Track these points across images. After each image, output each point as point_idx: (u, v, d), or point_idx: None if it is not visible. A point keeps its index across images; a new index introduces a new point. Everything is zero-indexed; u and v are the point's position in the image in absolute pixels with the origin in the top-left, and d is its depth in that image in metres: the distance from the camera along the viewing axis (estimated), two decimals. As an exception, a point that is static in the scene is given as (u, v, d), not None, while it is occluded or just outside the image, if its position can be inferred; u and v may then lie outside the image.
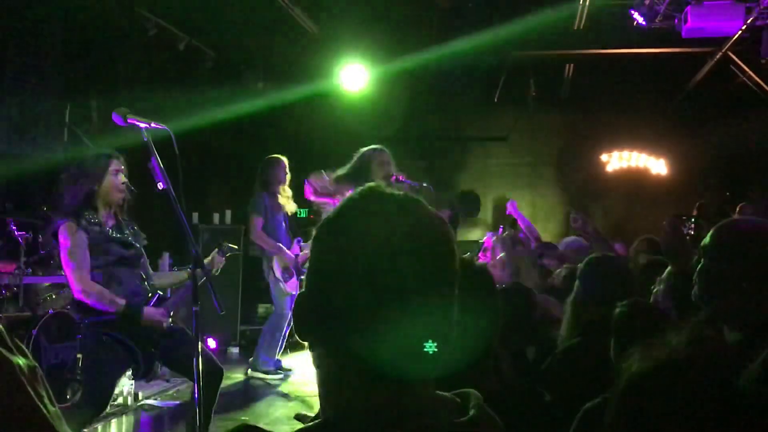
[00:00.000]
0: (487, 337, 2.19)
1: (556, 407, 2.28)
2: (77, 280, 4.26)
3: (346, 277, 1.26)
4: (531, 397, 2.22)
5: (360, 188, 1.37)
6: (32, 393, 1.04)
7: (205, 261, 4.38)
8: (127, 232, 4.50)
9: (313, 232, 1.38)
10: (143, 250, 4.63)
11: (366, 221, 1.30)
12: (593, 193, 12.46)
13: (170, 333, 4.44)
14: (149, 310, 4.36)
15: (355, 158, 5.92)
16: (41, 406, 1.06)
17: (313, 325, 1.31)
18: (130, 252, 4.47)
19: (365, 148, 5.94)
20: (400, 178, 5.75)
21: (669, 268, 3.57)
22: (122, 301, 4.28)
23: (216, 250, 4.67)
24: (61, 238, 4.29)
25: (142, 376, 4.56)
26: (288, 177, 6.88)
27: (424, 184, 5.86)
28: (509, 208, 7.15)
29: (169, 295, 4.68)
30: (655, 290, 3.57)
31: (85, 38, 8.22)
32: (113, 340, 4.32)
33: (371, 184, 1.38)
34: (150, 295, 4.48)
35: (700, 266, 2.57)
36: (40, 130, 7.76)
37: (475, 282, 2.23)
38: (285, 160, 6.96)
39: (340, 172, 5.91)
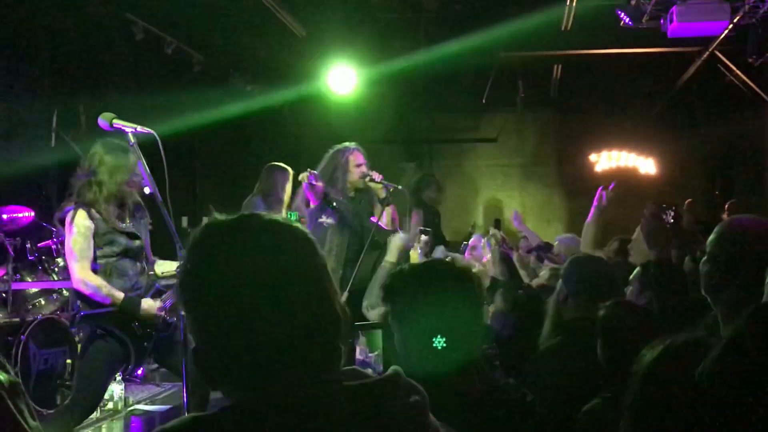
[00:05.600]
0: (472, 339, 2.20)
1: (540, 407, 2.29)
2: (77, 269, 4.27)
3: (226, 329, 1.31)
4: (515, 397, 2.23)
5: (200, 232, 1.42)
6: (13, 408, 1.04)
7: None
8: (131, 223, 4.47)
9: (178, 287, 1.42)
10: (148, 235, 4.62)
11: (219, 264, 1.34)
12: (582, 193, 12.48)
13: (166, 327, 4.45)
14: (147, 303, 4.37)
15: (328, 158, 5.84)
16: (22, 422, 1.05)
17: (222, 378, 1.35)
18: (135, 244, 4.47)
19: (338, 147, 5.86)
20: (375, 178, 5.71)
21: (638, 269, 3.59)
22: (120, 294, 4.28)
23: None
24: (67, 225, 4.30)
25: (132, 369, 4.56)
26: (289, 191, 6.66)
27: (399, 187, 5.83)
28: (515, 223, 7.22)
29: (163, 288, 4.67)
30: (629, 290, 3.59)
31: (72, 43, 8.18)
32: (107, 334, 4.33)
33: (209, 223, 1.42)
34: (149, 287, 4.50)
35: (702, 261, 2.61)
36: (28, 135, 7.72)
37: (459, 285, 2.23)
38: (291, 172, 6.77)
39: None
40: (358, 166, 5.71)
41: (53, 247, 6.92)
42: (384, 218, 5.80)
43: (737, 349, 1.29)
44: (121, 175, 4.35)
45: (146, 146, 3.92)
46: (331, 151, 5.84)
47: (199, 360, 1.34)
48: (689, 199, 8.42)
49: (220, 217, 1.43)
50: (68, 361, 6.22)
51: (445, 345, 2.09)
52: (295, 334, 1.30)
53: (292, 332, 1.30)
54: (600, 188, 5.18)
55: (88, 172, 4.37)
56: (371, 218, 5.74)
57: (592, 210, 5.14)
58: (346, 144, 5.85)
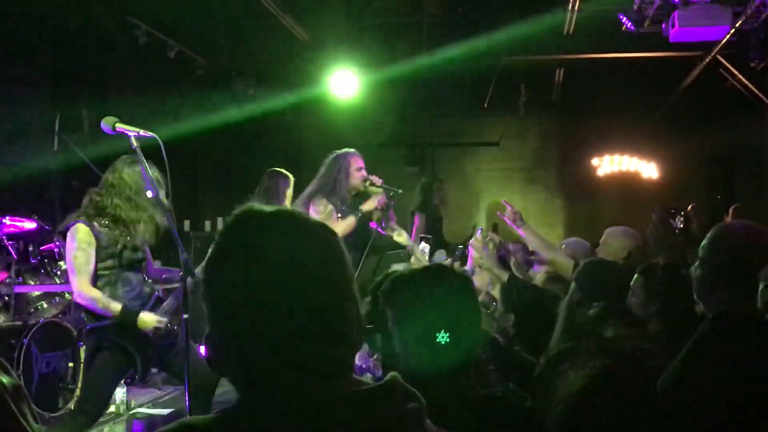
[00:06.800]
0: (472, 339, 2.20)
1: (543, 413, 2.29)
2: (76, 284, 4.29)
3: (244, 314, 1.29)
4: (514, 402, 2.23)
5: (235, 218, 1.39)
6: (16, 411, 1.05)
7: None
8: (133, 235, 4.48)
9: (203, 275, 1.39)
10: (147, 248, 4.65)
11: (246, 254, 1.32)
12: (584, 197, 12.49)
13: (167, 335, 4.46)
14: (144, 316, 4.38)
15: (328, 163, 5.83)
16: (24, 424, 1.06)
17: (231, 365, 1.34)
18: (138, 255, 4.50)
19: (337, 152, 5.87)
20: (376, 182, 5.75)
21: (636, 276, 3.59)
22: (117, 307, 4.30)
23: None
24: (68, 239, 4.31)
25: (139, 380, 4.58)
26: (290, 195, 6.61)
27: (400, 191, 5.85)
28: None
29: (163, 296, 4.69)
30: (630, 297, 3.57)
31: (75, 46, 8.20)
32: (113, 345, 4.35)
33: (244, 210, 1.40)
34: (150, 296, 4.51)
35: (694, 266, 2.62)
36: (30, 138, 7.73)
37: (458, 286, 2.24)
38: (292, 179, 6.76)
39: (315, 182, 5.83)
40: (359, 170, 5.74)
41: (55, 250, 6.93)
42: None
43: (699, 357, 1.29)
44: (137, 199, 4.37)
45: (149, 150, 3.94)
46: (330, 157, 5.87)
47: (210, 346, 1.33)
48: (692, 204, 8.44)
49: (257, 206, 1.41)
50: (70, 364, 6.23)
51: (448, 340, 2.10)
52: (312, 337, 1.28)
53: (309, 334, 1.28)
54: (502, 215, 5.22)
55: (107, 184, 4.40)
56: (370, 223, 5.76)
57: (521, 232, 5.15)
58: (345, 149, 5.88)
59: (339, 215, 5.65)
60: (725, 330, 1.99)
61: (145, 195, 4.34)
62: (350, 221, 5.57)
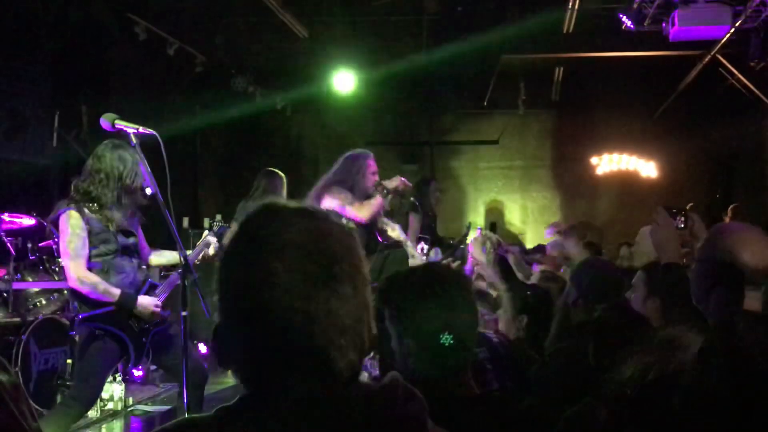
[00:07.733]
0: (465, 343, 2.19)
1: (542, 412, 2.29)
2: (73, 268, 4.27)
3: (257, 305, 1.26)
4: (513, 401, 2.22)
5: (255, 211, 1.37)
6: (14, 410, 1.05)
7: (197, 245, 4.65)
8: (125, 220, 4.49)
9: (220, 265, 1.36)
10: (140, 230, 4.64)
11: (260, 250, 1.29)
12: (583, 196, 12.50)
13: (162, 322, 4.47)
14: (143, 300, 4.39)
15: (344, 162, 5.80)
16: (23, 423, 1.06)
17: (236, 359, 1.31)
18: (131, 241, 4.49)
19: (354, 152, 5.84)
20: (388, 186, 5.73)
21: (639, 272, 3.59)
22: (117, 291, 4.30)
23: (207, 232, 4.72)
24: (61, 226, 4.30)
25: (134, 365, 4.57)
26: (285, 195, 6.59)
27: (411, 199, 5.84)
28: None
29: (158, 283, 4.70)
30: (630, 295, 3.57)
31: (75, 43, 8.19)
32: (106, 333, 4.34)
33: (268, 204, 1.38)
34: (144, 281, 4.52)
35: (692, 268, 2.62)
36: (30, 135, 7.72)
37: (458, 286, 2.23)
38: (284, 178, 6.75)
39: (330, 177, 5.80)
40: (373, 174, 5.71)
41: (54, 247, 6.92)
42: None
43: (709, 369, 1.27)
44: (124, 177, 4.36)
45: (148, 147, 3.94)
46: (346, 156, 5.78)
47: (218, 337, 1.30)
48: (691, 203, 8.44)
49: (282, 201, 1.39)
50: (68, 361, 6.23)
51: (452, 342, 2.09)
52: (319, 339, 1.26)
53: (317, 336, 1.25)
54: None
55: (91, 171, 4.39)
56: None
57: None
58: (361, 150, 5.85)
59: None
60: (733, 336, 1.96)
61: (128, 179, 4.34)
62: (378, 200, 5.55)
